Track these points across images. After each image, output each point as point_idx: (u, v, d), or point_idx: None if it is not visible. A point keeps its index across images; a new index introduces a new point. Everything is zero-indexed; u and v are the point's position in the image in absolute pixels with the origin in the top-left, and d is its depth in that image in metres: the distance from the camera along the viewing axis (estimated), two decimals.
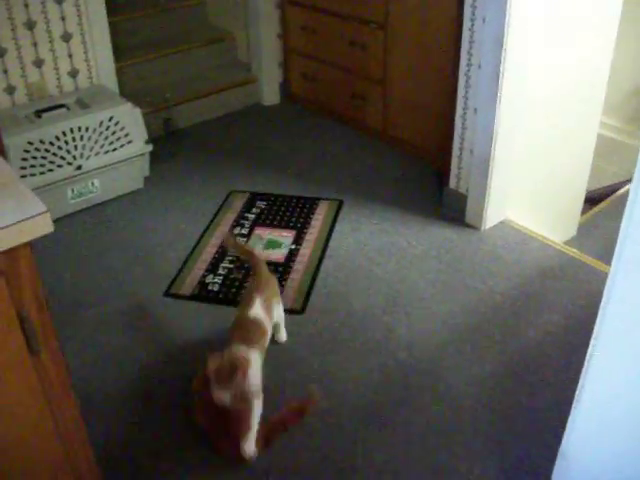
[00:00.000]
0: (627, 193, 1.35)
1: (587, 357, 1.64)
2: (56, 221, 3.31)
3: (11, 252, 1.15)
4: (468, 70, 3.10)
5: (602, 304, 1.54)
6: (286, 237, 3.33)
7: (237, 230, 3.39)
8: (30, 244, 1.19)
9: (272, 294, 2.58)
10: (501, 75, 2.92)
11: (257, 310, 2.44)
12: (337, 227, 3.41)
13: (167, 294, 3.00)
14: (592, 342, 1.61)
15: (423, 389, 2.51)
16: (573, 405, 1.73)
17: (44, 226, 1.15)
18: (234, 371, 2.06)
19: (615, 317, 1.52)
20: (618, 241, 1.44)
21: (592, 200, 4.33)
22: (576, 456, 1.79)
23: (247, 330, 2.36)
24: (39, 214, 1.15)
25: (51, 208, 1.18)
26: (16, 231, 1.12)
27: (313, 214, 3.50)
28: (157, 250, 3.30)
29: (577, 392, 1.70)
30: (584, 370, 1.66)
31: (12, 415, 1.32)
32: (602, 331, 1.56)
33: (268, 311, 2.49)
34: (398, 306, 2.90)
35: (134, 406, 2.49)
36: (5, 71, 3.53)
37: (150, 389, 2.55)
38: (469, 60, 3.08)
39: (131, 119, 3.60)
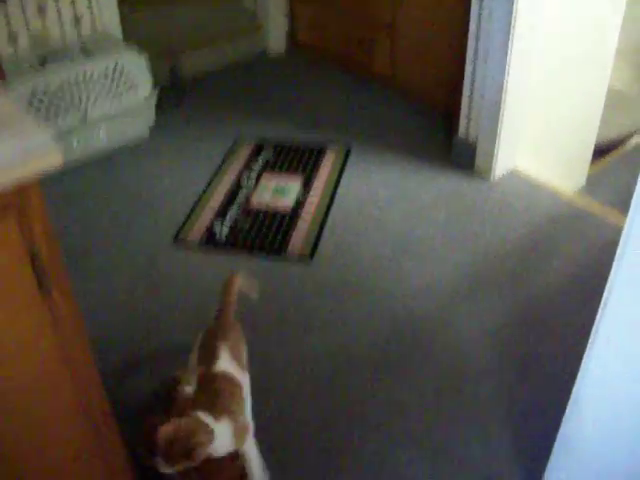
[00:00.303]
0: (637, 144, 1.31)
1: (601, 304, 1.62)
2: (61, 171, 3.28)
3: (20, 186, 1.12)
4: (479, 14, 3.03)
5: (619, 249, 1.51)
6: (293, 185, 3.30)
7: (245, 175, 3.36)
8: (39, 179, 1.16)
9: (240, 338, 2.12)
10: (513, 21, 2.86)
11: (224, 362, 1.94)
12: (345, 175, 3.38)
13: (175, 242, 2.99)
14: (607, 288, 1.58)
15: (433, 337, 2.50)
16: (586, 350, 1.71)
17: (54, 158, 1.11)
18: (188, 451, 1.67)
19: (632, 263, 1.50)
20: (637, 187, 1.40)
21: (600, 152, 4.28)
22: (588, 402, 1.78)
23: (214, 393, 1.86)
24: (47, 145, 1.11)
25: None
26: (25, 162, 1.09)
27: (321, 162, 3.46)
28: (164, 198, 3.27)
29: (591, 337, 1.68)
30: (598, 316, 1.64)
31: (24, 356, 1.30)
32: (618, 277, 1.54)
33: (239, 359, 2.01)
34: (407, 254, 2.88)
35: (140, 354, 2.49)
36: (7, 19, 3.46)
37: (157, 336, 2.55)
38: (481, 4, 3.01)
39: (136, 66, 3.54)
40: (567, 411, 1.85)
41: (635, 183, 1.36)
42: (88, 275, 2.82)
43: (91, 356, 1.45)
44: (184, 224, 3.08)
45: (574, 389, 1.79)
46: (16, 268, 1.20)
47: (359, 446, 2.13)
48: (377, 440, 2.15)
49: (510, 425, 2.17)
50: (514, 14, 2.84)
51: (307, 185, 3.30)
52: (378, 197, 3.22)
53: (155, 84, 3.69)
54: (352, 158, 3.51)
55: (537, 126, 3.32)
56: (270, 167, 3.44)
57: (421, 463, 2.08)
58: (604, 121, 3.77)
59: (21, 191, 1.13)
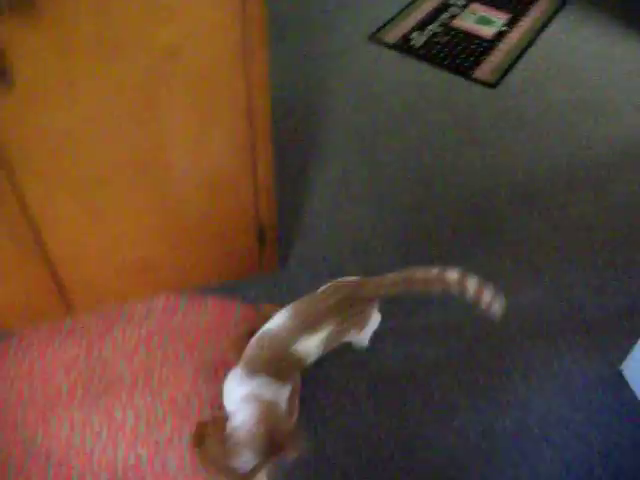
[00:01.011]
0: None
1: None
2: None
3: None
4: None
5: None
6: (500, 18, 3.29)
7: (452, 1, 3.38)
8: None
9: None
10: None
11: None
12: (554, 23, 3.31)
13: (371, 39, 3.09)
14: None
15: (588, 185, 2.51)
16: None
17: None
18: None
19: None
20: None
21: None
22: None
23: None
24: None
25: None
26: None
27: (533, 5, 3.41)
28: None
29: None
30: None
31: (212, 42, 1.44)
32: None
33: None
34: (589, 110, 2.84)
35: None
36: None
37: (324, 114, 2.71)
38: None
39: None
40: None
41: None
42: (281, 48, 2.99)
43: (266, 68, 1.55)
44: (385, 26, 3.17)
45: None
46: None
47: (481, 253, 2.25)
48: (499, 254, 2.26)
49: (626, 280, 2.20)
50: None
51: (513, 22, 3.27)
52: (581, 52, 3.15)
53: None
54: (566, 8, 3.42)
55: None
56: None
57: (530, 286, 2.17)
58: None
59: None
